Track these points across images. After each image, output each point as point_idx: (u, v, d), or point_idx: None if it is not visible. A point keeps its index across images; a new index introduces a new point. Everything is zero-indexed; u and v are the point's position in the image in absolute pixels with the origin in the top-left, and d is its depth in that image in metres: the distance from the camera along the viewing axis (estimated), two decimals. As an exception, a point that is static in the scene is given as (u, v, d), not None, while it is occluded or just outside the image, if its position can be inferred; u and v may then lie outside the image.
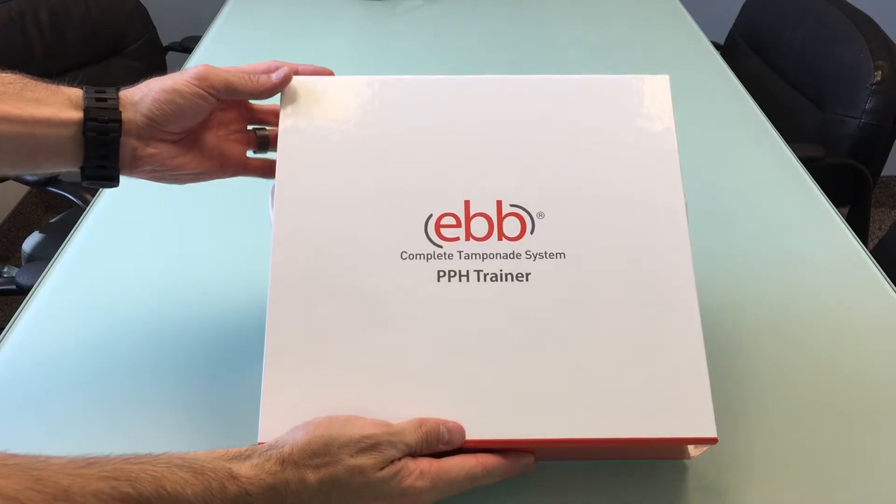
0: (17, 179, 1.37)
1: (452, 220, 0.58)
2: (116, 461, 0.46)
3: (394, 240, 0.58)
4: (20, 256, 1.47)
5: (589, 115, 0.62)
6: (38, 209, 2.48)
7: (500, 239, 0.58)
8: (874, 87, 1.32)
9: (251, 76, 0.64)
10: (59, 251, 0.88)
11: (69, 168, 0.61)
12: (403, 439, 0.52)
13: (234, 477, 0.48)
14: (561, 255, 0.57)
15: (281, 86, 0.64)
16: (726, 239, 0.89)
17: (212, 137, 0.66)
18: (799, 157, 1.08)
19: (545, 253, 0.57)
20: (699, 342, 0.56)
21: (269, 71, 0.65)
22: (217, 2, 1.67)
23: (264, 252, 0.85)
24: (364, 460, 0.51)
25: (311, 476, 0.50)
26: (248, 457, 0.50)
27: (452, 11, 1.62)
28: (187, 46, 1.77)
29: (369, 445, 0.51)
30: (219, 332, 0.76)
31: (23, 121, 0.57)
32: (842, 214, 0.95)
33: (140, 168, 0.63)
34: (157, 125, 0.61)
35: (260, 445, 0.51)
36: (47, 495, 0.41)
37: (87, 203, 1.00)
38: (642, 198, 0.59)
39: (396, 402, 0.54)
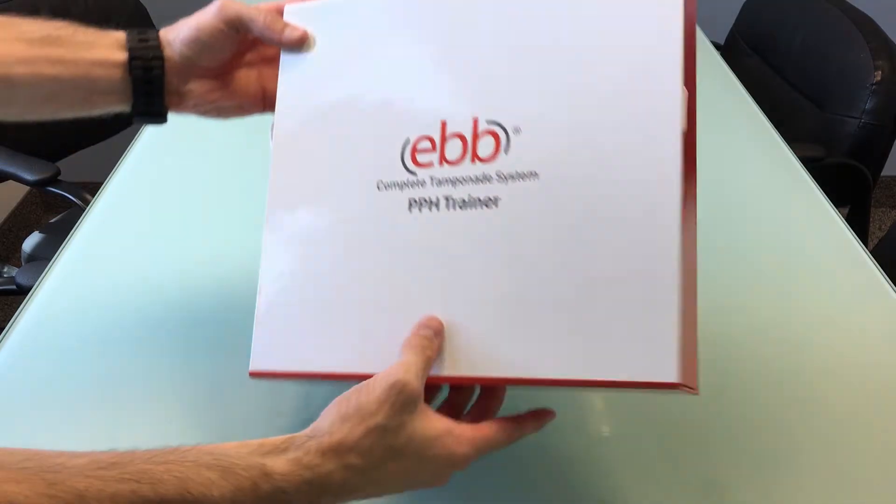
0: (17, 179, 1.37)
1: (428, 145, 0.56)
2: (140, 460, 0.44)
3: (373, 168, 0.57)
4: (20, 256, 1.47)
5: (584, 23, 0.54)
6: (38, 209, 2.48)
7: (472, 161, 0.54)
8: (874, 86, 1.32)
9: (267, 17, 0.62)
10: (59, 251, 0.88)
11: (122, 108, 0.63)
12: (412, 368, 0.50)
13: (267, 474, 0.46)
14: (533, 175, 0.52)
15: (293, 44, 0.62)
16: (726, 239, 0.89)
17: (252, 73, 0.67)
18: (799, 157, 1.08)
19: (516, 174, 0.53)
20: (675, 281, 0.49)
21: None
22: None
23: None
24: (398, 415, 0.48)
25: (353, 458, 0.48)
26: (285, 450, 0.47)
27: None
28: (187, 46, 1.77)
29: (396, 393, 0.49)
30: (219, 332, 0.76)
31: (76, 63, 0.60)
32: (842, 214, 0.95)
33: (184, 104, 0.65)
34: (191, 62, 0.63)
35: (297, 436, 0.48)
36: (62, 501, 0.39)
37: (87, 203, 1.01)
38: (633, 121, 0.53)
39: (374, 335, 0.55)
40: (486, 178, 0.54)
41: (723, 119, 1.20)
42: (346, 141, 0.59)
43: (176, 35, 0.63)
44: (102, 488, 0.41)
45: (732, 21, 1.77)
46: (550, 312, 0.51)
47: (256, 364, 0.59)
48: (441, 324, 0.53)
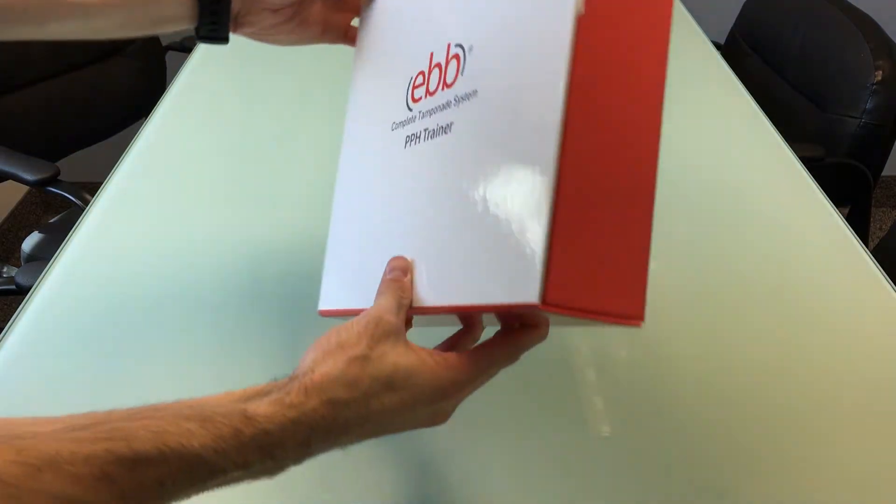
0: (17, 179, 1.37)
1: (421, 80, 0.57)
2: (117, 419, 0.42)
3: (391, 111, 0.60)
4: (20, 256, 1.46)
5: None
6: (38, 209, 2.48)
7: (443, 89, 0.54)
8: (874, 86, 1.32)
9: None
10: (58, 251, 0.88)
11: (188, 27, 0.67)
12: (386, 304, 0.50)
13: (248, 418, 0.44)
14: (474, 93, 0.51)
15: None
16: (726, 238, 0.89)
17: (315, 5, 0.69)
18: (799, 157, 1.07)
19: (464, 94, 0.51)
20: (544, 197, 0.43)
21: None
22: (217, 1, 1.67)
23: (264, 253, 0.85)
24: (382, 345, 0.48)
25: (339, 391, 0.46)
26: (267, 393, 0.46)
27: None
28: (187, 46, 1.77)
29: (375, 325, 0.49)
30: (220, 332, 0.76)
31: None
32: (842, 214, 0.95)
33: (244, 29, 0.68)
34: None
35: (280, 380, 0.47)
36: (31, 468, 0.37)
37: (86, 203, 1.00)
38: (536, 30, 0.47)
39: (375, 272, 0.55)
40: (447, 105, 0.53)
41: (723, 119, 1.20)
42: (380, 84, 0.63)
43: None
44: (75, 450, 0.39)
45: (732, 21, 1.77)
46: (457, 238, 0.50)
47: (324, 304, 0.63)
48: (407, 262, 0.53)
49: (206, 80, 1.34)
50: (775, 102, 1.43)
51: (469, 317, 0.54)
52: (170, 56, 1.84)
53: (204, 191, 1.01)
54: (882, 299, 0.80)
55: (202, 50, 1.45)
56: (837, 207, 0.96)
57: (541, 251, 0.43)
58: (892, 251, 1.15)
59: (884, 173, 1.42)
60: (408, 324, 0.53)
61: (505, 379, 0.70)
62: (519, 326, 0.51)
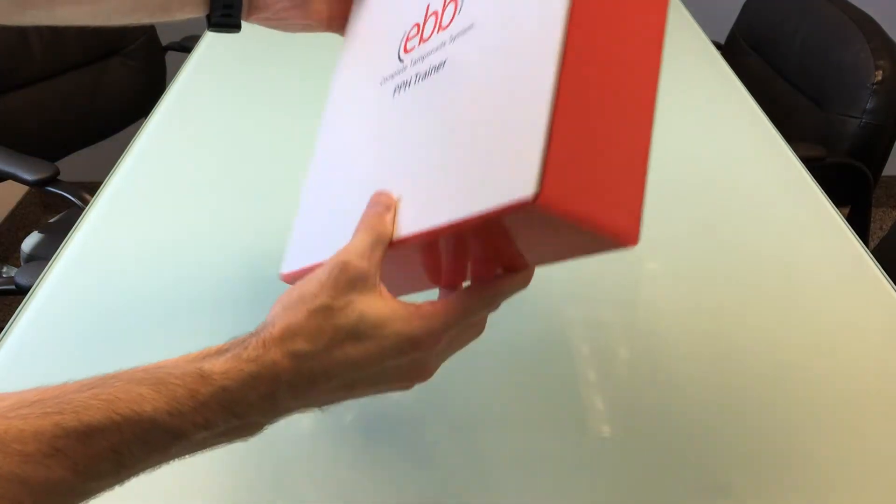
0: (17, 179, 1.37)
1: (416, 31, 0.57)
2: (69, 390, 0.41)
3: (381, 66, 0.60)
4: (19, 256, 1.46)
5: None
6: (38, 209, 2.48)
7: (438, 32, 0.54)
8: (875, 86, 1.32)
9: None
10: (58, 251, 0.88)
11: (198, 14, 0.67)
12: (357, 245, 0.46)
13: (204, 377, 0.42)
14: (470, 26, 0.50)
15: None
16: (726, 238, 0.89)
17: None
18: (799, 157, 1.07)
19: (459, 31, 0.51)
20: (544, 103, 0.41)
21: None
22: (217, 1, 1.67)
23: (263, 254, 0.85)
24: (345, 294, 0.44)
25: (300, 343, 0.44)
26: (225, 350, 0.44)
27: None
28: (187, 46, 1.77)
29: (338, 272, 0.45)
30: (220, 332, 0.75)
31: None
32: (842, 214, 0.95)
33: (255, 15, 0.68)
34: None
35: (240, 337, 0.45)
36: None
37: (86, 203, 1.00)
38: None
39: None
40: (442, 45, 0.53)
41: (723, 119, 1.20)
42: (370, 47, 0.63)
43: None
44: (23, 427, 0.38)
45: (732, 21, 1.77)
46: (449, 157, 0.47)
47: (286, 267, 0.61)
48: (391, 198, 0.49)
49: (206, 80, 1.34)
50: (775, 102, 1.43)
51: (453, 270, 0.50)
52: (170, 56, 1.84)
53: (204, 191, 1.01)
54: (882, 299, 0.80)
55: (202, 50, 1.45)
56: (837, 207, 0.96)
57: (539, 150, 0.40)
58: (893, 251, 1.15)
59: (884, 173, 1.42)
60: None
61: (505, 379, 0.70)
62: (501, 273, 0.48)
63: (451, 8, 0.54)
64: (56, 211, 2.02)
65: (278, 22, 0.69)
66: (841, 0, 1.48)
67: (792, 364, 0.72)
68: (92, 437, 0.39)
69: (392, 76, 0.57)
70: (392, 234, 0.48)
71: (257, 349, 0.44)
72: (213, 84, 1.33)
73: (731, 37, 1.76)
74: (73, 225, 0.93)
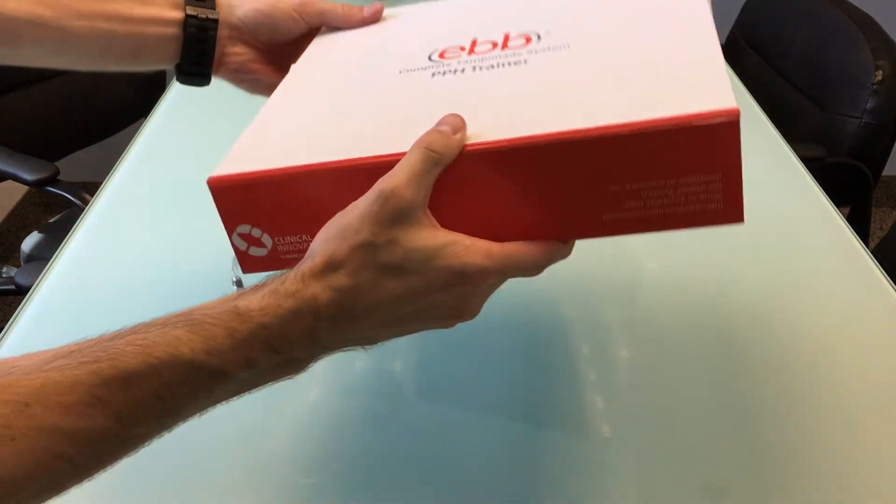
0: (17, 179, 1.37)
1: (457, 49, 0.57)
2: (104, 339, 0.40)
3: (395, 63, 0.58)
4: (19, 256, 1.46)
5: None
6: (38, 209, 2.48)
7: (504, 49, 0.55)
8: (875, 86, 1.32)
9: (345, 7, 0.68)
10: (58, 251, 0.88)
11: (167, 65, 0.66)
12: (404, 171, 0.42)
13: (241, 314, 0.41)
14: (566, 46, 0.53)
15: (371, 20, 0.68)
16: (726, 239, 0.89)
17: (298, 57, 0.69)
18: (800, 157, 1.07)
19: (548, 48, 0.53)
20: (713, 36, 0.48)
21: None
22: (217, 1, 1.67)
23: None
24: (389, 229, 0.42)
25: (341, 278, 0.42)
26: (260, 287, 0.42)
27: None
28: (187, 46, 1.77)
29: (382, 203, 0.42)
30: (218, 333, 0.76)
31: (132, 20, 0.62)
32: (843, 214, 0.95)
33: (223, 68, 0.68)
34: (248, 31, 0.66)
35: (274, 276, 0.43)
36: (17, 404, 0.35)
37: (86, 203, 1.00)
38: (664, 20, 0.53)
39: (362, 143, 0.47)
40: (515, 55, 0.54)
41: (723, 119, 1.20)
42: (373, 51, 0.62)
43: (243, 2, 0.66)
44: (60, 379, 0.37)
45: (732, 21, 1.77)
46: (594, 76, 0.48)
47: (222, 170, 0.48)
48: (463, 121, 0.45)
49: (205, 79, 1.34)
50: (775, 102, 1.43)
51: (520, 208, 0.45)
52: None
53: (204, 191, 1.00)
54: (882, 299, 0.80)
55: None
56: (838, 207, 0.96)
57: (724, 74, 0.44)
58: (893, 251, 1.15)
59: (884, 173, 1.42)
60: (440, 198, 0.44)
61: (505, 378, 0.70)
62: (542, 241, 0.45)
63: (519, 40, 0.55)
64: (56, 211, 2.02)
65: (245, 77, 0.69)
66: (841, 0, 1.48)
67: (792, 364, 0.72)
68: (131, 382, 0.38)
69: (423, 68, 0.55)
70: (454, 155, 0.43)
71: (296, 283, 0.42)
72: (213, 84, 1.33)
73: (731, 37, 1.76)
74: (73, 225, 0.93)
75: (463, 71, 0.53)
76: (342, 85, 0.57)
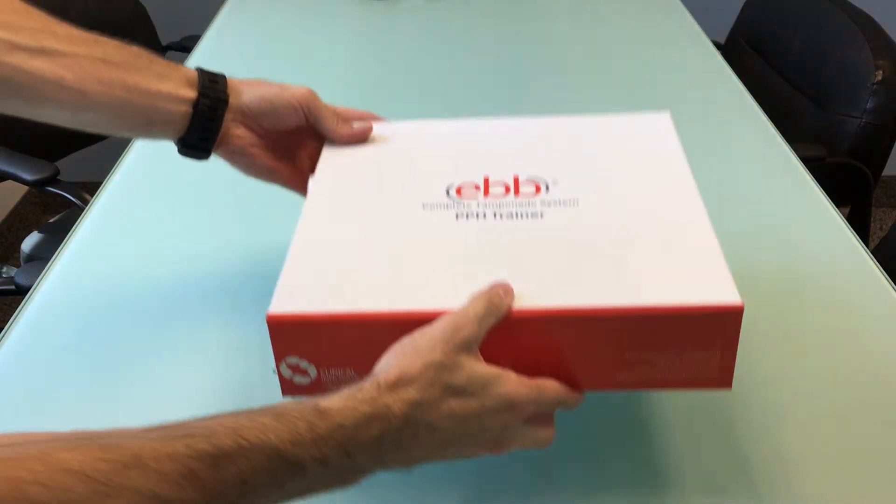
0: (16, 179, 1.37)
1: (472, 187, 0.63)
2: (190, 421, 0.43)
3: (417, 196, 0.63)
4: (19, 256, 1.46)
5: (598, 135, 0.71)
6: (38, 209, 2.48)
7: (517, 196, 0.62)
8: (875, 86, 1.32)
9: (339, 121, 0.71)
10: (58, 251, 0.88)
11: (173, 138, 0.69)
12: (472, 311, 0.50)
13: (321, 412, 0.45)
14: (574, 201, 0.61)
15: (358, 138, 0.72)
16: (726, 239, 0.89)
17: (298, 152, 0.74)
18: (800, 157, 1.07)
19: (559, 201, 0.61)
20: (708, 232, 0.59)
21: (360, 118, 0.73)
22: (217, 2, 1.67)
23: (266, 254, 0.85)
24: (457, 354, 0.49)
25: (412, 391, 0.47)
26: (337, 393, 0.47)
27: (452, 11, 1.62)
28: (187, 46, 1.77)
29: (453, 333, 0.49)
30: (221, 332, 0.76)
31: (149, 93, 0.64)
32: (843, 214, 0.95)
33: (223, 146, 0.70)
34: (252, 115, 0.69)
35: (347, 387, 0.47)
36: (117, 464, 0.37)
37: (86, 203, 1.00)
38: (651, 174, 0.65)
39: (411, 293, 0.54)
40: (530, 204, 0.61)
41: (723, 119, 1.20)
42: (391, 179, 0.66)
43: (250, 88, 0.69)
44: (158, 448, 0.39)
45: (732, 21, 1.77)
46: (603, 261, 0.56)
47: (279, 306, 0.53)
48: (511, 287, 0.53)
49: (205, 79, 1.34)
50: (775, 102, 1.43)
51: (542, 363, 0.53)
52: (170, 56, 1.83)
53: (204, 190, 1.01)
54: (882, 299, 0.80)
55: (202, 50, 1.45)
56: (838, 207, 0.96)
57: (725, 267, 0.55)
58: (893, 251, 1.15)
59: (884, 173, 1.42)
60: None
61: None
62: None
63: (529, 186, 0.63)
64: (56, 211, 2.01)
65: (243, 159, 0.71)
66: (841, 0, 1.48)
67: (791, 364, 0.72)
68: (222, 461, 0.40)
69: (444, 206, 0.62)
70: (505, 313, 0.51)
71: (372, 391, 0.47)
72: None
73: (731, 37, 1.76)
74: (73, 225, 0.93)
75: (485, 216, 0.60)
76: (371, 219, 0.62)
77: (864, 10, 1.44)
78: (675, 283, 0.53)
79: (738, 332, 0.52)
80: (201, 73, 0.68)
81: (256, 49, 1.46)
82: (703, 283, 0.53)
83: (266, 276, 0.83)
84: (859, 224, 1.44)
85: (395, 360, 0.49)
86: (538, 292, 0.52)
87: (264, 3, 1.66)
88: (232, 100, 0.68)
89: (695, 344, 0.52)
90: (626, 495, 0.60)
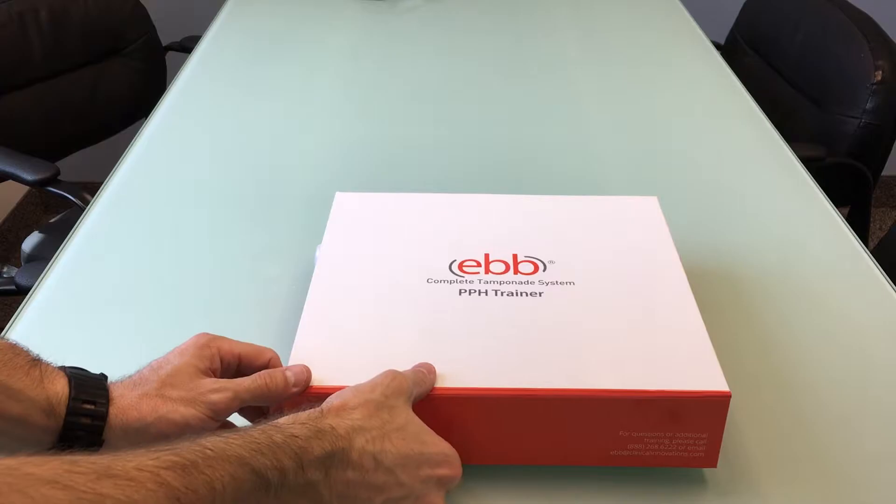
0: (17, 179, 1.37)
1: (474, 264, 0.68)
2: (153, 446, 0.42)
3: (421, 271, 0.68)
4: (20, 256, 1.46)
5: (592, 217, 0.76)
6: (38, 209, 2.48)
7: (515, 274, 0.67)
8: (874, 86, 1.32)
9: (268, 383, 0.56)
10: (58, 251, 0.88)
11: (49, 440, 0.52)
12: (405, 372, 0.56)
13: (275, 426, 0.47)
14: (570, 283, 0.66)
15: (304, 385, 0.58)
16: (726, 239, 0.89)
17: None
18: (799, 157, 1.07)
19: (556, 282, 0.66)
20: (697, 319, 0.63)
21: (263, 358, 0.59)
22: (217, 2, 1.67)
23: (263, 254, 0.85)
24: (393, 394, 0.53)
25: (356, 415, 0.51)
26: (284, 415, 0.50)
27: (452, 11, 1.62)
28: (187, 46, 1.77)
29: (390, 379, 0.54)
30: (220, 333, 0.75)
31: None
32: (842, 214, 0.95)
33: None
34: (147, 436, 0.53)
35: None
36: (90, 475, 0.37)
37: (86, 203, 1.00)
38: (641, 255, 0.70)
39: (409, 359, 0.59)
40: (529, 283, 0.66)
41: (723, 119, 1.20)
42: (395, 256, 0.70)
43: (141, 417, 0.53)
44: (126, 460, 0.39)
45: (732, 21, 1.77)
46: (595, 349, 0.60)
47: (296, 358, 0.60)
48: (434, 368, 0.58)
49: (206, 80, 1.34)
50: (775, 102, 1.43)
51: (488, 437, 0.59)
52: (170, 56, 1.84)
53: (203, 190, 1.01)
54: (882, 299, 0.80)
55: (202, 50, 1.45)
56: (837, 207, 0.96)
57: (714, 358, 0.59)
58: (892, 251, 1.15)
59: (884, 173, 1.42)
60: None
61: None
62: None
63: (528, 266, 0.68)
64: (56, 211, 2.02)
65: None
66: (841, 0, 1.48)
67: (791, 364, 0.72)
68: (190, 468, 0.41)
69: (448, 281, 0.66)
70: (430, 389, 0.56)
71: (315, 414, 0.50)
72: (214, 84, 1.33)
73: (731, 37, 1.76)
74: (73, 225, 0.93)
75: (486, 294, 0.65)
76: (377, 293, 0.66)
77: (864, 10, 1.44)
78: (668, 370, 0.58)
79: (725, 416, 0.57)
80: (75, 399, 0.52)
81: (256, 49, 1.46)
82: (694, 372, 0.58)
83: (267, 275, 0.83)
84: (859, 224, 1.44)
85: (335, 397, 0.52)
86: (542, 377, 0.58)
87: (264, 4, 1.66)
88: (113, 414, 0.52)
89: (685, 426, 0.57)
90: (626, 494, 0.60)
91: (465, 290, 0.65)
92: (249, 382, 0.55)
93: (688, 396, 0.56)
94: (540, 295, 0.65)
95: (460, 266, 0.68)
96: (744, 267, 0.85)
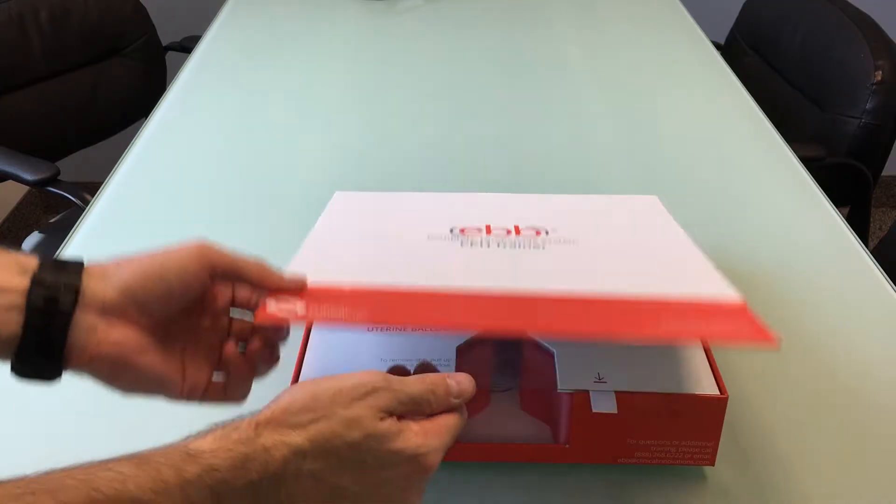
0: (17, 179, 1.37)
1: (475, 230, 0.67)
2: (35, 475, 0.36)
3: (422, 231, 0.67)
4: (20, 256, 1.46)
5: (592, 205, 0.77)
6: (38, 209, 2.48)
7: (518, 236, 0.67)
8: (874, 86, 1.32)
9: (266, 264, 0.53)
10: (58, 251, 0.88)
11: (3, 354, 0.45)
12: (405, 388, 0.44)
13: (191, 455, 0.39)
14: (574, 241, 0.66)
15: (301, 284, 0.54)
16: (726, 239, 0.89)
17: (196, 347, 0.52)
18: (799, 157, 1.07)
19: (560, 240, 0.66)
20: (694, 251, 0.64)
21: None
22: (217, 2, 1.67)
23: (264, 254, 0.85)
24: (360, 409, 0.42)
25: (296, 437, 0.41)
26: (211, 430, 0.41)
27: (452, 11, 1.62)
28: (187, 46, 1.77)
29: (364, 392, 0.43)
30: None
31: None
32: (842, 214, 0.95)
33: (91, 359, 0.47)
34: (130, 305, 0.47)
35: (227, 421, 0.42)
36: None
37: (86, 203, 1.01)
38: (646, 228, 0.71)
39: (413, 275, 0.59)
40: (531, 240, 0.66)
41: (723, 119, 1.20)
42: (395, 222, 0.70)
43: (119, 267, 0.48)
44: None
45: (732, 21, 1.77)
46: (604, 272, 0.61)
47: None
48: (474, 385, 0.48)
49: (206, 80, 1.34)
50: (775, 102, 1.43)
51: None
52: (170, 56, 1.84)
53: (204, 191, 1.01)
54: (882, 299, 0.80)
55: (202, 50, 1.45)
56: (837, 207, 0.96)
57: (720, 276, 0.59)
58: (892, 251, 1.15)
59: (884, 173, 1.42)
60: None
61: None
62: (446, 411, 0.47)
63: (531, 232, 0.67)
64: (56, 211, 2.02)
65: (124, 369, 0.49)
66: (841, 0, 1.48)
67: (790, 364, 0.72)
68: None
69: (448, 238, 0.66)
70: (449, 405, 0.47)
71: (249, 429, 0.41)
72: (214, 84, 1.33)
73: (731, 37, 1.76)
74: (73, 225, 0.93)
75: (488, 245, 0.65)
76: (381, 240, 0.67)
77: (864, 10, 1.44)
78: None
79: (723, 418, 0.58)
80: (44, 256, 0.46)
81: (256, 49, 1.46)
82: (698, 279, 0.59)
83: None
84: (859, 224, 1.44)
85: (285, 399, 0.43)
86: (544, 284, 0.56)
87: (264, 4, 1.66)
88: (95, 285, 0.46)
89: (686, 427, 0.59)
90: (625, 494, 0.60)
91: (467, 243, 0.64)
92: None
93: (689, 398, 0.57)
94: (543, 248, 0.64)
95: (462, 231, 0.67)
96: (743, 267, 0.85)
